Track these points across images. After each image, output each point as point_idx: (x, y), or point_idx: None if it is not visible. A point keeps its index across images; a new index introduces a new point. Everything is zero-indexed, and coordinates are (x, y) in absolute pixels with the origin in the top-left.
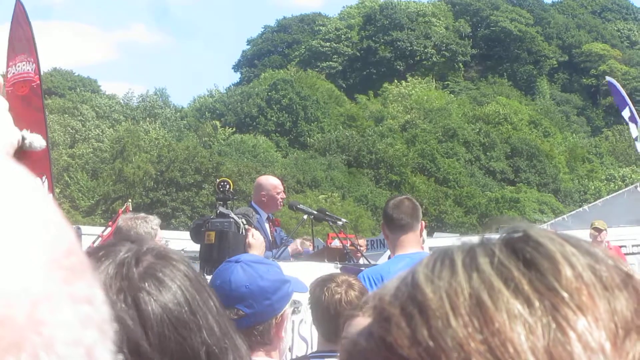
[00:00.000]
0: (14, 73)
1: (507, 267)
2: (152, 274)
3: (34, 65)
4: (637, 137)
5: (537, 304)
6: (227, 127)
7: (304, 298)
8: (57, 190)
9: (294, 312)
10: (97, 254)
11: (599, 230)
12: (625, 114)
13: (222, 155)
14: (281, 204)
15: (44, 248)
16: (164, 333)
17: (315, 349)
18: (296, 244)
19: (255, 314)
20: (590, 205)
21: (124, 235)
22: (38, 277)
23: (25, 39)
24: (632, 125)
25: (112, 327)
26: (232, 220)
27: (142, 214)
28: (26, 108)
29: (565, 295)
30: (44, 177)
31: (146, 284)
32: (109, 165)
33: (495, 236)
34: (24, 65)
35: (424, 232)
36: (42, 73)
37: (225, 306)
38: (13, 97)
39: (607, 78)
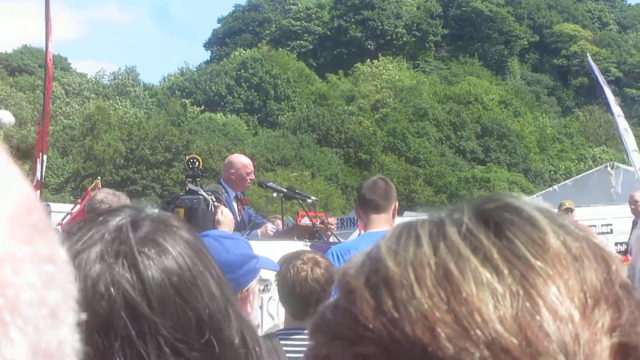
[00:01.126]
0: (50, 50)
1: (476, 236)
2: (152, 238)
3: (52, 48)
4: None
5: (506, 272)
6: (195, 106)
7: (274, 277)
8: (27, 167)
9: (263, 291)
10: (95, 220)
11: (570, 211)
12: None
13: (192, 133)
14: (249, 184)
15: (4, 206)
16: (166, 297)
17: (281, 323)
18: (266, 228)
19: None
20: (560, 185)
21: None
22: (0, 236)
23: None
24: (614, 106)
25: (74, 286)
26: (201, 197)
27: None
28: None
29: (535, 264)
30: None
31: (145, 249)
32: (78, 143)
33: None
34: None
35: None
36: (12, 50)
37: None
38: (51, 71)
39: (588, 59)
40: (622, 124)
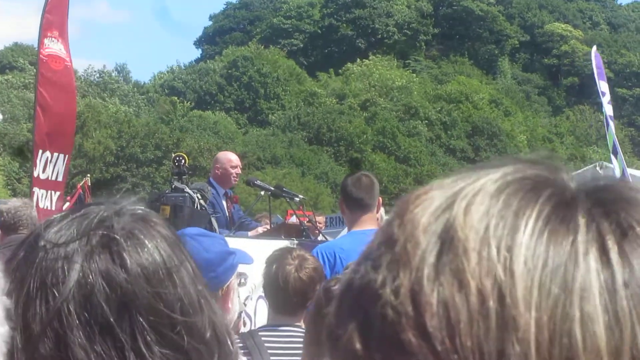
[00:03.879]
0: (48, 45)
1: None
2: (130, 231)
3: (64, 47)
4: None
5: None
6: (186, 102)
7: (249, 270)
8: (17, 165)
9: (240, 284)
10: (76, 212)
11: None
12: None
13: (183, 131)
14: (235, 179)
15: None
16: (139, 289)
17: (257, 325)
18: (257, 231)
19: None
20: None
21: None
22: None
23: (60, 16)
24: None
25: (4, 301)
26: (187, 195)
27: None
28: (57, 84)
29: None
30: (65, 155)
31: (123, 241)
32: None
33: None
34: (54, 42)
35: (382, 209)
36: (3, 47)
37: None
38: (47, 68)
39: (593, 49)
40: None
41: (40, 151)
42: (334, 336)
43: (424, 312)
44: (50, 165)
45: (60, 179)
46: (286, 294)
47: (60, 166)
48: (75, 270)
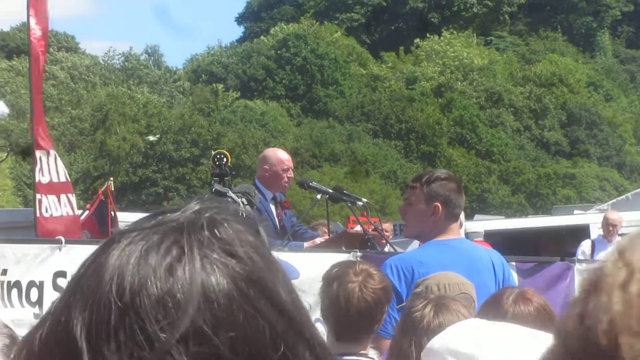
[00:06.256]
0: (33, 25)
1: None
2: (216, 239)
3: (40, 26)
4: None
5: None
6: (231, 91)
7: (302, 288)
8: (28, 167)
9: None
10: (146, 222)
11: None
12: None
13: (224, 124)
14: (287, 184)
15: None
16: (234, 305)
17: None
18: (314, 243)
19: None
20: None
21: None
22: None
23: None
24: None
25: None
26: (230, 199)
27: None
28: (36, 69)
29: None
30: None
31: (209, 251)
32: (89, 137)
33: (549, 219)
34: (33, 20)
35: (462, 215)
36: (10, 28)
37: None
38: (34, 51)
39: None
40: None
41: (37, 151)
42: None
43: None
44: (50, 164)
45: (64, 179)
46: (349, 317)
47: (60, 164)
48: (158, 288)
